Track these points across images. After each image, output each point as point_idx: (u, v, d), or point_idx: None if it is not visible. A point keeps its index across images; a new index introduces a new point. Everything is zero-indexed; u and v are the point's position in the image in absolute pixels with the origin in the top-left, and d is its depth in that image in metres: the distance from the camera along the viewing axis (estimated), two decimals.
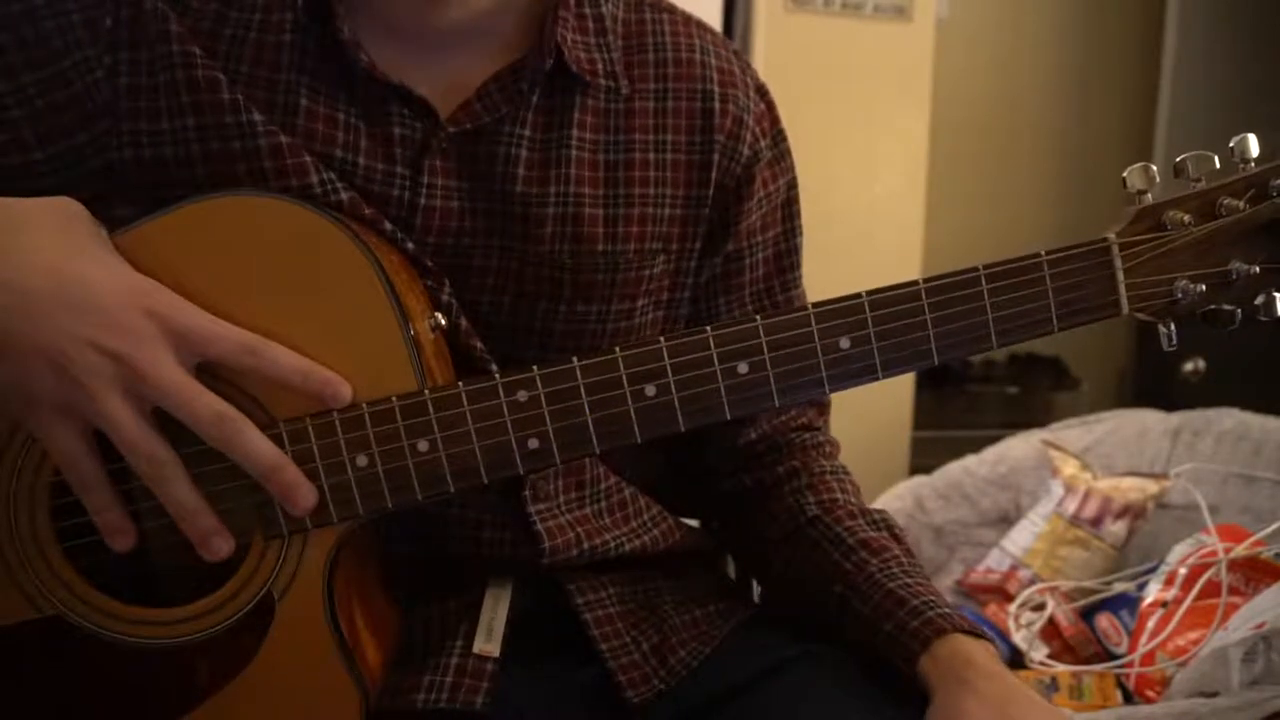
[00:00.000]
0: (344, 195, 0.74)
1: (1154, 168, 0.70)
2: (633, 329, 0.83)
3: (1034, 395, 3.08)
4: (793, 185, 0.90)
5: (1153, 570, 1.69)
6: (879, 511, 0.87)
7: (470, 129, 0.77)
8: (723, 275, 0.87)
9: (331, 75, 0.76)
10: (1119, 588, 1.74)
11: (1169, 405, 2.05)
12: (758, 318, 0.69)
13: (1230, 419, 1.93)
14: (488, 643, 0.77)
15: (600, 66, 0.80)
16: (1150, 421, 2.01)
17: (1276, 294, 0.70)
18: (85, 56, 0.74)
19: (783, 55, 2.54)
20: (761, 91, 0.88)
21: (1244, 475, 1.85)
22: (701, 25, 0.87)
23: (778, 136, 0.89)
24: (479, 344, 0.77)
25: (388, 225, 0.75)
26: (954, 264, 0.70)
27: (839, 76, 2.58)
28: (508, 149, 0.78)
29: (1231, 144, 0.70)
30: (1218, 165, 0.69)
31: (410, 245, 0.76)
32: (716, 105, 0.83)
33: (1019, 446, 2.06)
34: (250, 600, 0.69)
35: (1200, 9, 3.24)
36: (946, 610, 0.76)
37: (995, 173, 3.25)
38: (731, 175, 0.84)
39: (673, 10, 0.86)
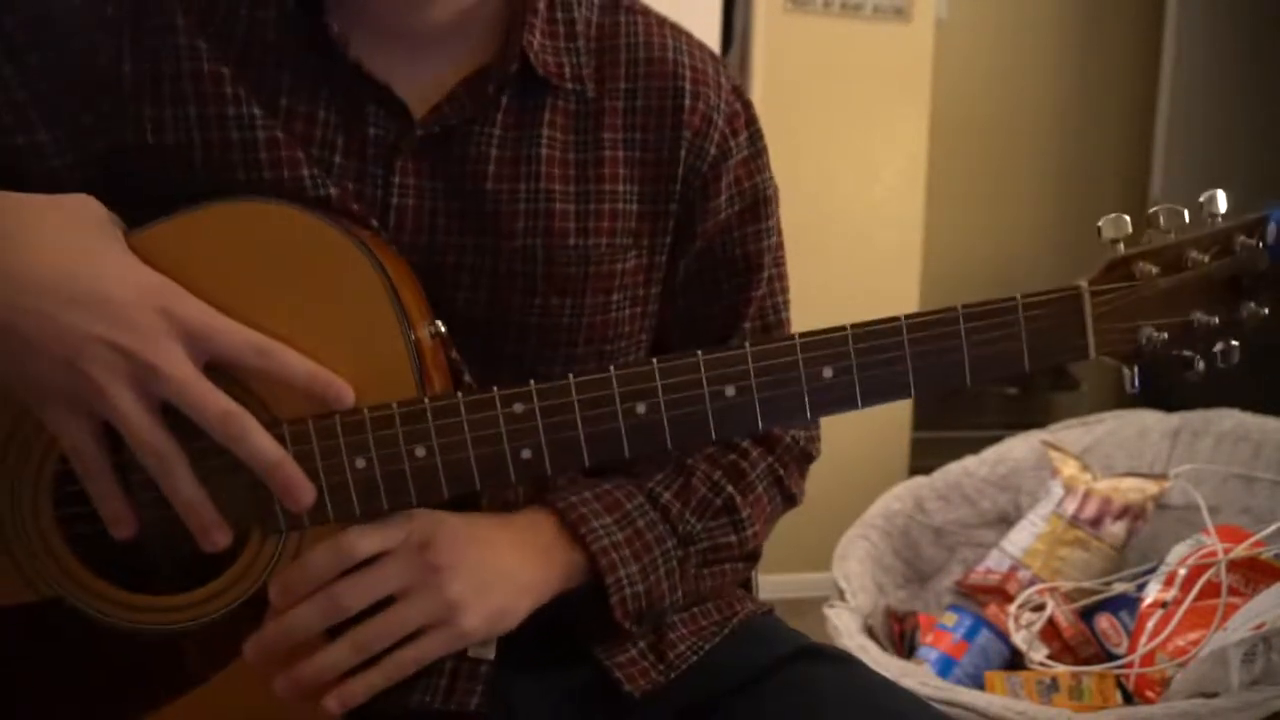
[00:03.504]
0: (332, 190, 0.76)
1: (1126, 218, 0.73)
2: (609, 323, 0.83)
3: (1034, 396, 3.08)
4: (767, 186, 0.89)
5: (1152, 571, 1.70)
6: (724, 498, 0.85)
7: (439, 131, 0.78)
8: (696, 272, 0.87)
9: (313, 73, 0.77)
10: (1119, 588, 1.74)
11: (1169, 406, 2.05)
12: (747, 344, 0.71)
13: (1230, 419, 1.93)
14: (482, 646, 0.77)
15: (568, 70, 0.81)
16: (1150, 422, 2.01)
17: (1234, 343, 0.73)
18: (90, 41, 0.75)
19: (782, 56, 2.54)
20: (737, 93, 0.89)
21: (1243, 476, 1.85)
22: (676, 28, 0.88)
23: (754, 136, 0.88)
24: (454, 353, 0.78)
25: (374, 222, 0.77)
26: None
27: (838, 77, 2.58)
28: (478, 148, 0.79)
29: (1201, 199, 0.73)
30: (1188, 219, 0.73)
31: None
32: (686, 102, 0.84)
33: (1019, 447, 2.06)
34: (246, 592, 0.70)
35: (1200, 10, 3.24)
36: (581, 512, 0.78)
37: (994, 173, 3.25)
38: (697, 173, 0.84)
39: (647, 12, 0.87)
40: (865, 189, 2.63)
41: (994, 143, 3.24)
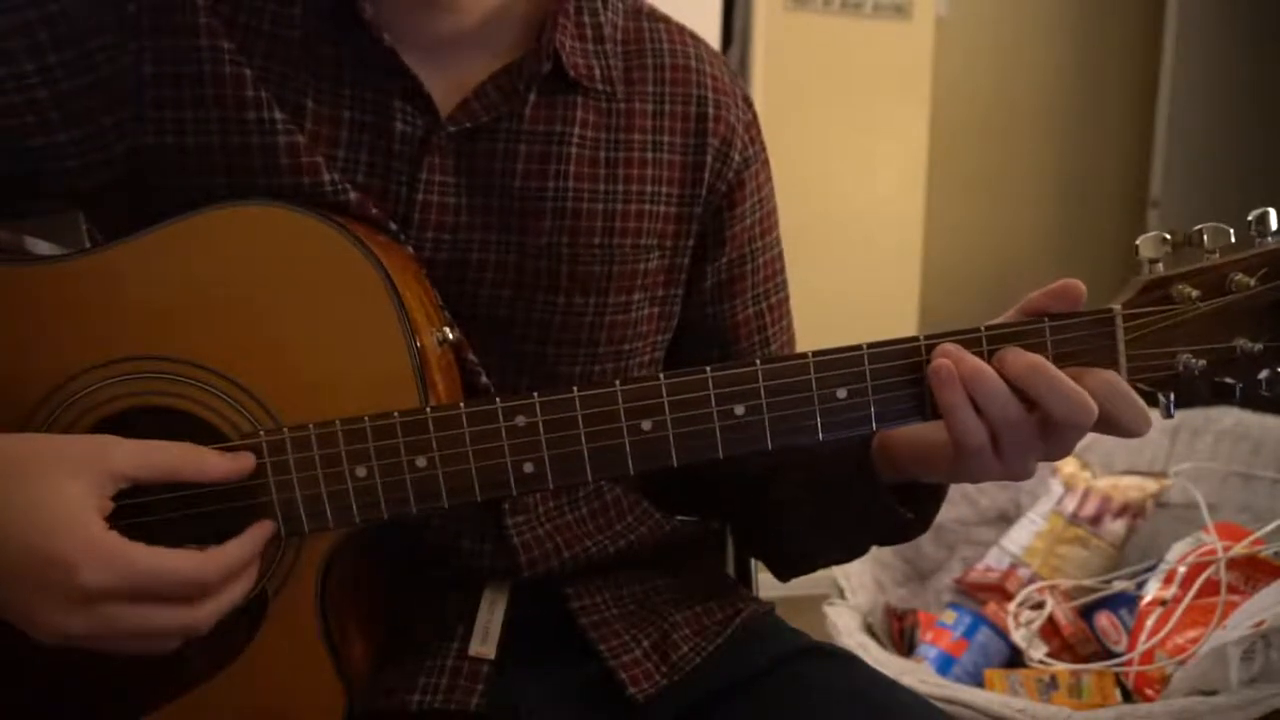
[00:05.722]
0: (352, 195, 0.76)
1: (1166, 236, 0.69)
2: (629, 323, 0.84)
3: None
4: (774, 194, 0.92)
5: (1152, 569, 1.70)
6: None
7: (469, 128, 0.79)
8: (728, 280, 0.88)
9: (339, 70, 0.77)
10: (1118, 586, 1.75)
11: None
12: (757, 361, 0.69)
13: (1229, 417, 1.94)
14: (483, 645, 0.78)
15: (597, 72, 0.82)
16: None
17: None
18: (111, 41, 0.75)
19: (782, 55, 2.54)
20: (748, 101, 0.91)
21: (1243, 474, 1.86)
22: (695, 36, 0.89)
23: (762, 145, 0.91)
24: (471, 356, 0.78)
25: (393, 225, 0.77)
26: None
27: (839, 76, 2.58)
28: (506, 145, 0.80)
29: (1251, 217, 0.69)
30: (1233, 239, 0.69)
31: (410, 246, 0.77)
32: (710, 111, 0.85)
33: None
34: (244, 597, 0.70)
35: (1200, 9, 3.24)
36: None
37: (995, 172, 3.25)
38: (724, 180, 0.86)
39: (668, 20, 0.89)
40: (865, 188, 2.63)
41: (994, 142, 3.24)
